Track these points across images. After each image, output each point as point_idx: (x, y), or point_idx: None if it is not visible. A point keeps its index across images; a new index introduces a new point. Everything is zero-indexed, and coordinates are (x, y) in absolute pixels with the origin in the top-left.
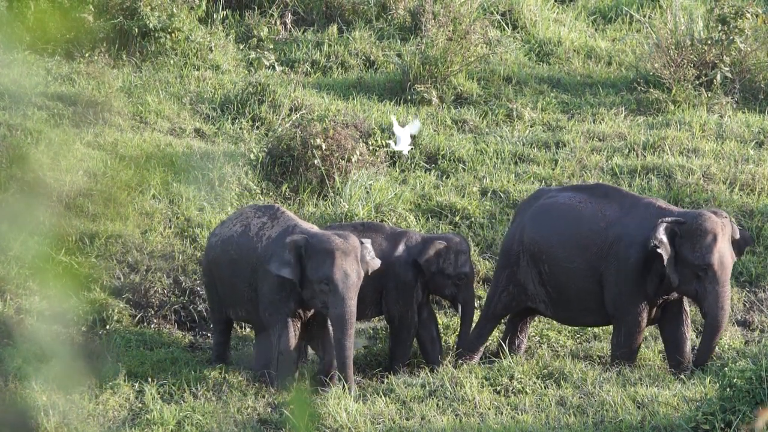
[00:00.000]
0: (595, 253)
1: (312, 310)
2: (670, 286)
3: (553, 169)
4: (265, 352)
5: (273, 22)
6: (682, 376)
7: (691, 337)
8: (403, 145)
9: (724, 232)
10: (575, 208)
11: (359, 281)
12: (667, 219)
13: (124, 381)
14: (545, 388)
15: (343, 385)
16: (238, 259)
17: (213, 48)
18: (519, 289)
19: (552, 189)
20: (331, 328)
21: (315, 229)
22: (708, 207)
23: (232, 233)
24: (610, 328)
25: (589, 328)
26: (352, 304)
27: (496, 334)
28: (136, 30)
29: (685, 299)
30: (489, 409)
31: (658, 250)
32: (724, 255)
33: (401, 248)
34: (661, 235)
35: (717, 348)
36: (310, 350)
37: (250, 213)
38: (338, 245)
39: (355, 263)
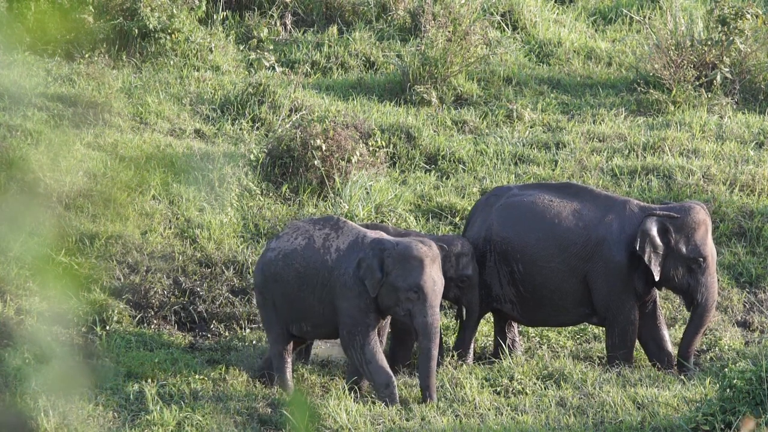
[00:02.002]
0: (575, 253)
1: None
2: (661, 283)
3: (553, 170)
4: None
5: (273, 23)
6: (682, 377)
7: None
8: None
9: (710, 222)
10: (549, 206)
11: (442, 288)
12: (657, 213)
13: (124, 382)
14: (545, 388)
15: (425, 395)
16: (305, 273)
17: (213, 49)
18: (485, 291)
19: (512, 187)
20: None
21: (385, 236)
22: (686, 199)
23: (295, 246)
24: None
25: (588, 329)
26: (438, 311)
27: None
28: (136, 31)
29: (658, 298)
30: (489, 409)
31: (645, 247)
32: (712, 246)
33: None
34: (653, 231)
35: (717, 349)
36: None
37: (308, 226)
38: (426, 252)
39: (439, 270)
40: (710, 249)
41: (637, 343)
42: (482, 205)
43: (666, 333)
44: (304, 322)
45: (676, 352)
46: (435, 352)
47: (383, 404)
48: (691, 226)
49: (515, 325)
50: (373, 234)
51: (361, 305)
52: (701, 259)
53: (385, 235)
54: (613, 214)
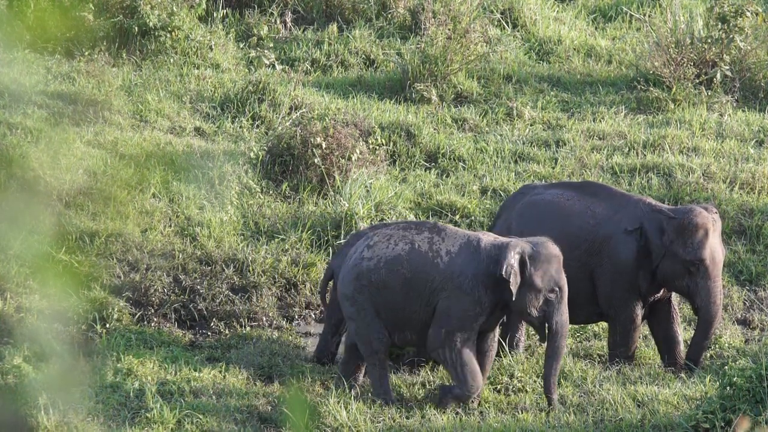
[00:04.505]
0: (585, 250)
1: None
2: (662, 284)
3: (553, 168)
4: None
5: (273, 21)
6: (683, 375)
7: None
8: None
9: (714, 227)
10: (564, 205)
11: None
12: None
13: (124, 380)
14: None
15: (548, 398)
16: (413, 278)
17: (213, 47)
18: None
19: (537, 185)
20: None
21: (494, 236)
22: (699, 203)
23: (399, 252)
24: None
25: (588, 327)
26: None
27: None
28: (136, 29)
29: (674, 297)
30: (489, 407)
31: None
32: (715, 250)
33: None
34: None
35: (718, 347)
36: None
37: (403, 231)
38: (559, 251)
39: None
40: (709, 253)
41: (639, 341)
42: (508, 204)
43: (679, 333)
44: (409, 330)
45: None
46: (563, 351)
47: (456, 405)
48: (689, 228)
49: (523, 323)
50: (488, 236)
51: (476, 310)
52: (698, 262)
53: (494, 236)
54: (623, 212)
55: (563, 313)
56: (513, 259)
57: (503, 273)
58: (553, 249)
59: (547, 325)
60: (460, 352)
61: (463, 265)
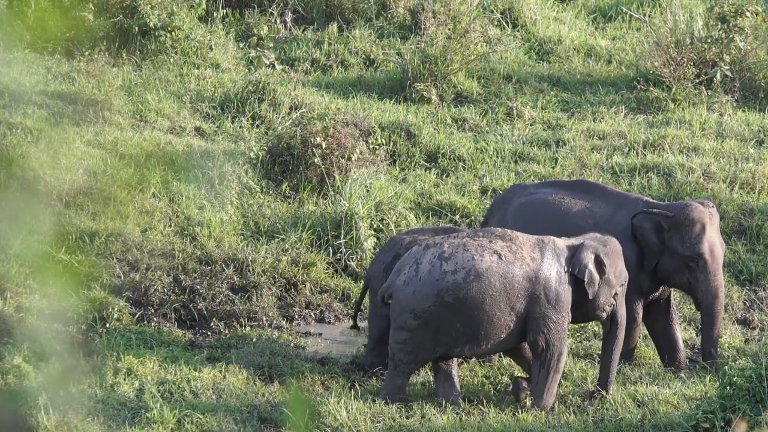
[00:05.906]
0: None
1: None
2: (663, 280)
3: (553, 168)
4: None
5: (273, 21)
6: (683, 375)
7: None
8: None
9: (712, 221)
10: (560, 204)
11: None
12: (651, 210)
13: (124, 379)
14: None
15: (605, 388)
16: (505, 289)
17: (213, 46)
18: None
19: (528, 185)
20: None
21: (561, 239)
22: (695, 198)
23: (490, 264)
24: None
25: (588, 327)
26: None
27: None
28: (136, 28)
29: (672, 297)
30: (489, 407)
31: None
32: (714, 244)
33: None
34: (645, 224)
35: (718, 347)
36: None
37: (476, 240)
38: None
39: None
40: (707, 247)
41: (640, 340)
42: (499, 203)
43: (678, 332)
44: (486, 340)
45: (685, 352)
46: (620, 350)
47: (536, 409)
48: (686, 224)
49: None
50: (556, 238)
51: (565, 314)
52: (697, 257)
53: (557, 238)
54: (624, 212)
55: (623, 305)
56: (588, 259)
57: (582, 274)
58: (618, 245)
59: (611, 317)
60: (558, 360)
61: (548, 268)
